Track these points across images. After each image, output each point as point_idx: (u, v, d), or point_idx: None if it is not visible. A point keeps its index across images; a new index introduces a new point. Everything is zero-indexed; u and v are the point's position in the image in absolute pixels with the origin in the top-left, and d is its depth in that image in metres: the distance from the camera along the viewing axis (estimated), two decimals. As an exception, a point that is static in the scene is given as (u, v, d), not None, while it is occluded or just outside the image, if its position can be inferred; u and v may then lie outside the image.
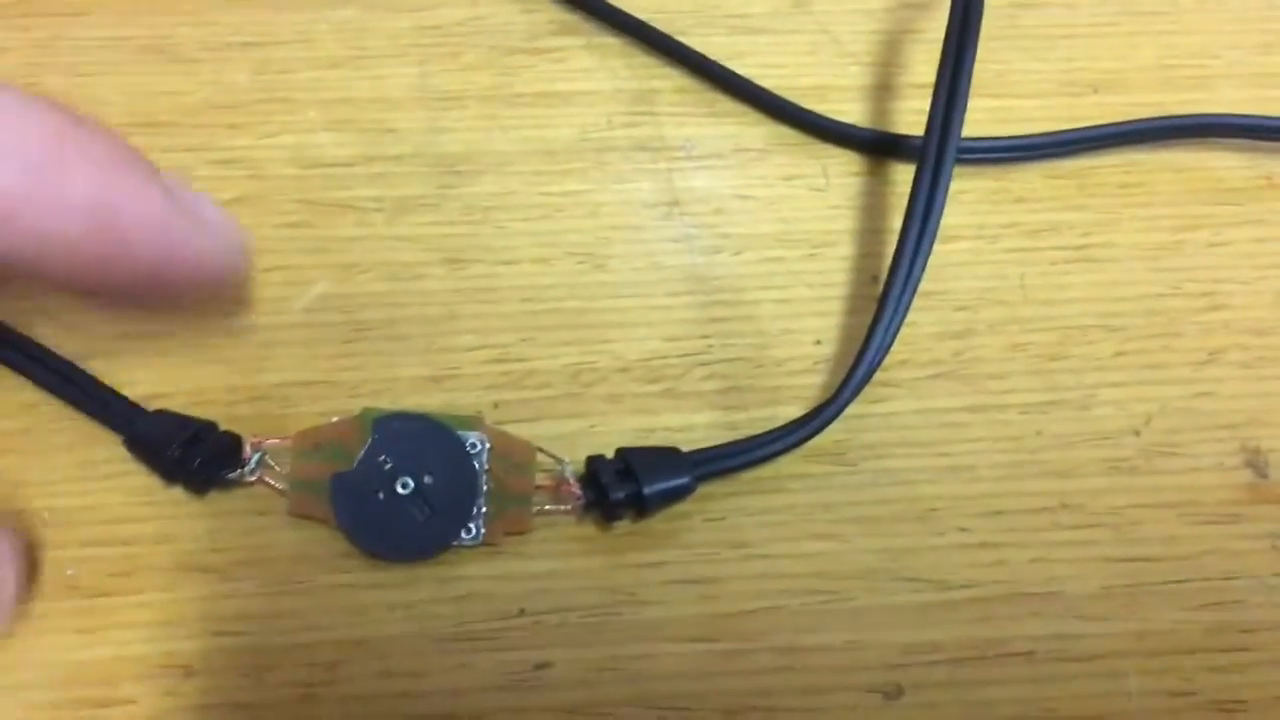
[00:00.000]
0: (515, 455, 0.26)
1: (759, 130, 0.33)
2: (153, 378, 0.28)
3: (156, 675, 0.25)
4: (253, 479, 0.26)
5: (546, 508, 0.27)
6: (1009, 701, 0.25)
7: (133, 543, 0.26)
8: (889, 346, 0.28)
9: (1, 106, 0.19)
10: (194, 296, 0.26)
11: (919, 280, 0.28)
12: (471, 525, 0.26)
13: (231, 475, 0.26)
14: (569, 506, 0.27)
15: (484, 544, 0.26)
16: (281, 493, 0.27)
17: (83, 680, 0.25)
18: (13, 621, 0.25)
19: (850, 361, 0.28)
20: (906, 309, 0.28)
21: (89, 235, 0.20)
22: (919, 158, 0.28)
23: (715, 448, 0.27)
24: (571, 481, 0.26)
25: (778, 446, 0.27)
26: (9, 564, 0.24)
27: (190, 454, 0.26)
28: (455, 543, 0.26)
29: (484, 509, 0.26)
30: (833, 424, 0.28)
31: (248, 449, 0.27)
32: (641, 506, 0.26)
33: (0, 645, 0.25)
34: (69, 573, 0.26)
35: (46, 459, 0.27)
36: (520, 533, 0.27)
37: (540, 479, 0.27)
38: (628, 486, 0.26)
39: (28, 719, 0.24)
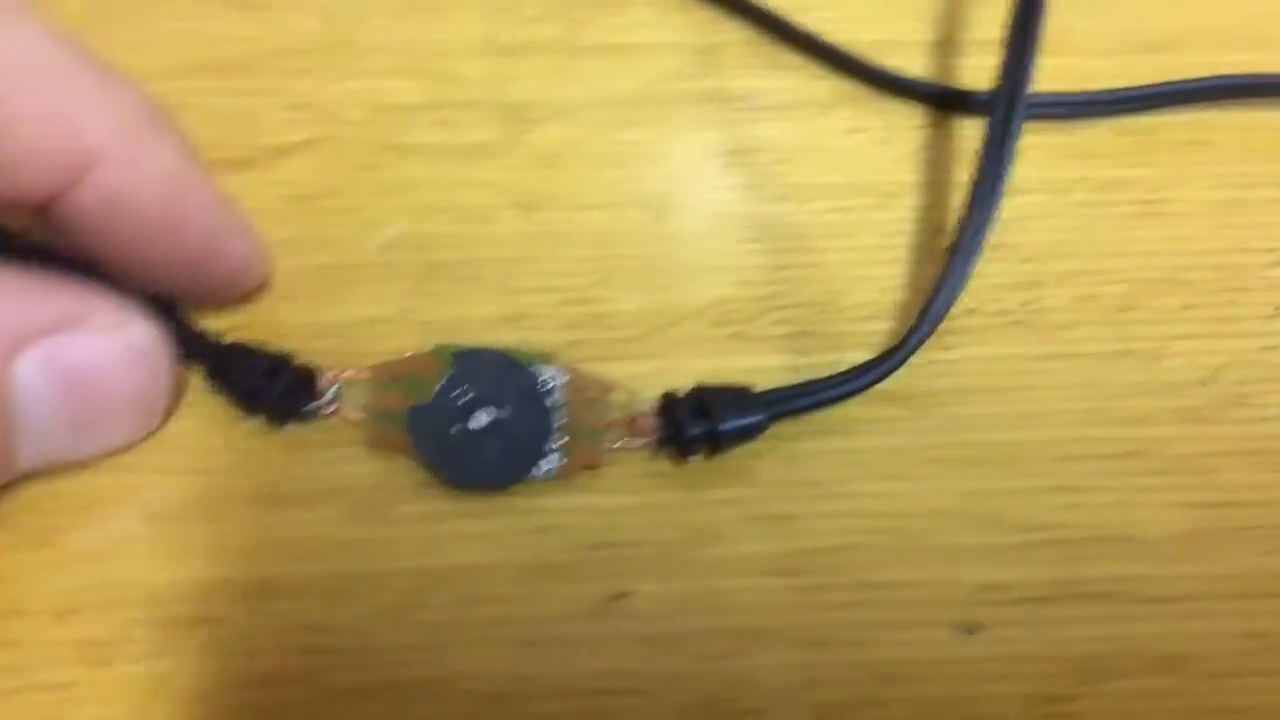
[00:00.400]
0: (590, 391, 0.27)
1: (823, 84, 0.33)
2: (227, 311, 0.28)
3: (242, 598, 0.25)
4: (330, 411, 0.26)
5: (620, 444, 0.27)
6: (1086, 640, 0.26)
7: (212, 472, 0.26)
8: (957, 295, 0.28)
9: (110, 80, 0.21)
10: (219, 296, 0.27)
11: (988, 232, 0.28)
12: (546, 459, 0.25)
13: (309, 407, 0.26)
14: (642, 443, 0.27)
15: (558, 478, 0.26)
16: (358, 425, 0.27)
17: (171, 598, 0.24)
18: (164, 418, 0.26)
19: (918, 309, 0.28)
20: (975, 260, 0.28)
21: (157, 206, 0.21)
22: (989, 111, 0.29)
23: (787, 388, 0.27)
24: (647, 417, 0.26)
25: (848, 388, 0.27)
26: (162, 353, 0.23)
27: (269, 385, 0.25)
28: (530, 476, 0.26)
29: (559, 443, 0.26)
30: (901, 369, 0.28)
31: (325, 380, 0.26)
32: (715, 443, 0.26)
33: (82, 568, 0.26)
34: (149, 498, 0.26)
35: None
36: (593, 468, 0.27)
37: (615, 416, 0.27)
38: (702, 423, 0.26)
39: (122, 635, 0.24)
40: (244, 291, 0.26)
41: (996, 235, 0.30)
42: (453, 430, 0.26)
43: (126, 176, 0.20)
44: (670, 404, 0.26)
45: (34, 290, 0.19)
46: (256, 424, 0.27)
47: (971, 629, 0.26)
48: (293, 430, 0.27)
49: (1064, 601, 0.26)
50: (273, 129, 0.31)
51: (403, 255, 0.30)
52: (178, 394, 0.26)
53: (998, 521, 0.27)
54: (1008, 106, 0.29)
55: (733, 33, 0.34)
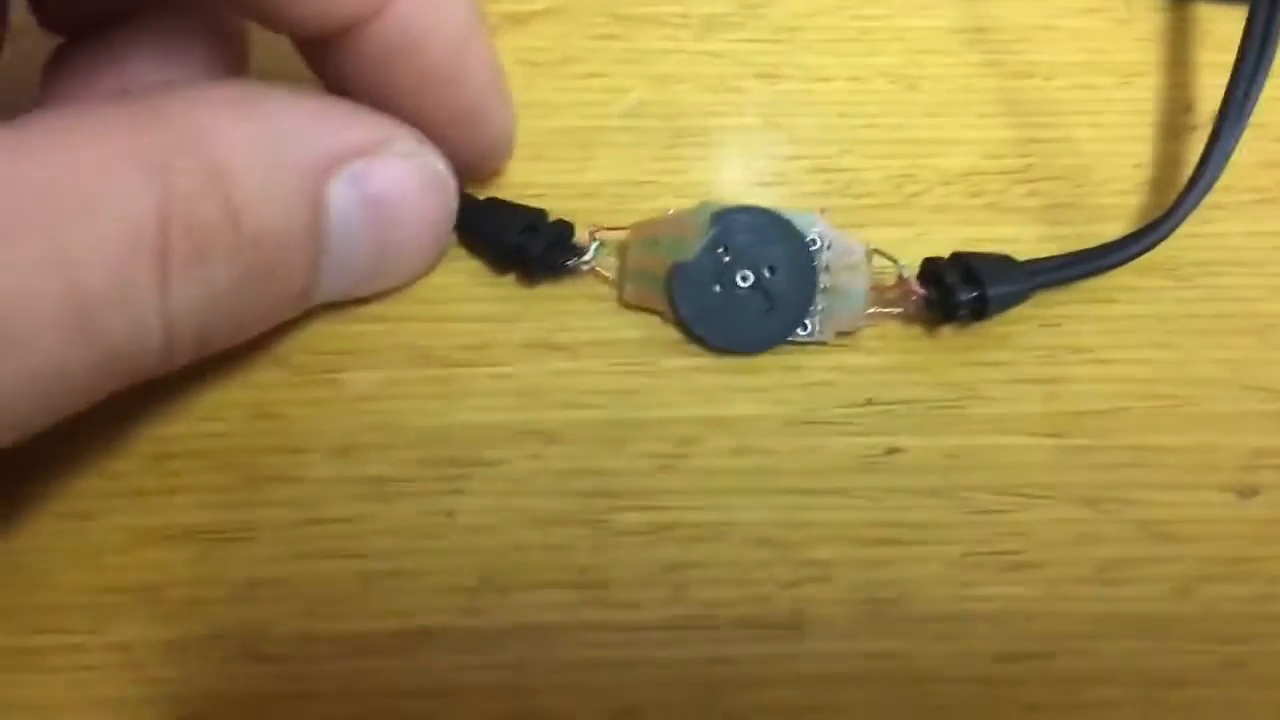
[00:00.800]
0: (851, 254, 0.27)
1: (1058, -38, 0.32)
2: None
3: (519, 440, 0.25)
4: (588, 268, 0.26)
5: (878, 310, 0.27)
6: (1366, 503, 0.25)
7: (481, 320, 0.26)
8: (1219, 173, 0.28)
9: None
10: (474, 165, 0.26)
11: (1254, 107, 0.27)
12: (809, 321, 0.26)
13: (568, 263, 0.26)
14: (903, 309, 0.27)
15: (818, 341, 0.26)
16: (614, 283, 0.27)
17: (449, 441, 0.25)
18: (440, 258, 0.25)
19: (1169, 185, 0.29)
20: (1238, 138, 0.28)
21: (446, 53, 0.21)
22: None
23: (1052, 259, 0.27)
24: (912, 281, 0.26)
25: (1114, 259, 0.27)
26: (454, 184, 0.23)
27: (529, 241, 0.26)
28: (791, 338, 0.26)
29: (821, 305, 0.26)
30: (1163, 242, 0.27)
31: (584, 237, 0.27)
32: (981, 309, 0.26)
33: (363, 407, 0.26)
34: (422, 345, 0.26)
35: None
36: (851, 332, 0.27)
37: (878, 280, 0.27)
38: (971, 287, 0.26)
39: (399, 474, 0.24)
40: (495, 165, 0.26)
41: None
42: (715, 289, 0.26)
43: (425, 14, 0.19)
44: (937, 268, 0.26)
45: (342, 114, 0.19)
46: (512, 280, 0.27)
47: (1248, 492, 0.25)
48: (546, 288, 0.27)
49: (1339, 468, 0.25)
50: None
51: (647, 122, 0.30)
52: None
53: (1267, 390, 0.26)
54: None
55: None
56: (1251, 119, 0.29)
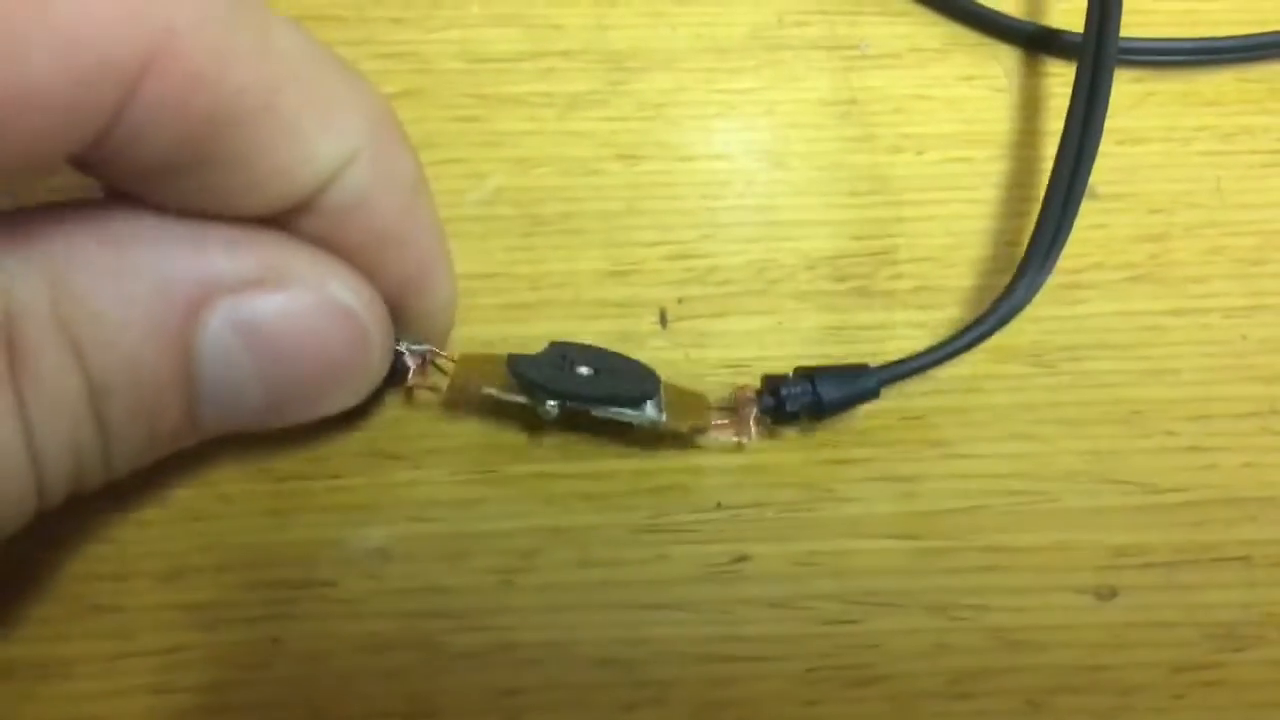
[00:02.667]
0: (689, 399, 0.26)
1: (935, 30, 0.32)
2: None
3: (354, 559, 0.24)
4: (413, 385, 0.25)
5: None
6: (1227, 606, 0.25)
7: (319, 429, 0.25)
8: (1062, 246, 0.27)
9: (358, 78, 0.19)
10: (412, 331, 0.24)
11: (1087, 177, 0.27)
12: (652, 403, 0.24)
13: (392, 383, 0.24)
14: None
15: (666, 426, 0.25)
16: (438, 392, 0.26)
17: (279, 561, 0.24)
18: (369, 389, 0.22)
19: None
20: (1077, 206, 0.27)
21: (394, 216, 0.20)
22: (1079, 54, 0.27)
23: (897, 363, 0.26)
24: (749, 392, 0.26)
25: (957, 346, 0.25)
26: (369, 315, 0.20)
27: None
28: (638, 414, 0.24)
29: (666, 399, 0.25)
30: (1028, 325, 0.28)
31: (409, 359, 0.24)
32: (818, 413, 0.26)
33: (193, 528, 0.25)
34: (256, 456, 0.26)
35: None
36: (703, 429, 0.26)
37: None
38: (806, 395, 0.26)
39: (226, 599, 0.23)
40: (438, 329, 0.24)
41: (1121, 186, 0.29)
42: (557, 369, 0.24)
43: (377, 177, 0.18)
44: (775, 383, 0.26)
45: (227, 240, 0.17)
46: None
47: (1107, 594, 0.24)
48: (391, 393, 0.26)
49: (1201, 566, 0.25)
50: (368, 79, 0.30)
51: (504, 209, 0.29)
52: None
53: (1129, 483, 0.26)
54: (1098, 44, 0.27)
55: None
56: (1125, 188, 0.28)
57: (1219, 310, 0.28)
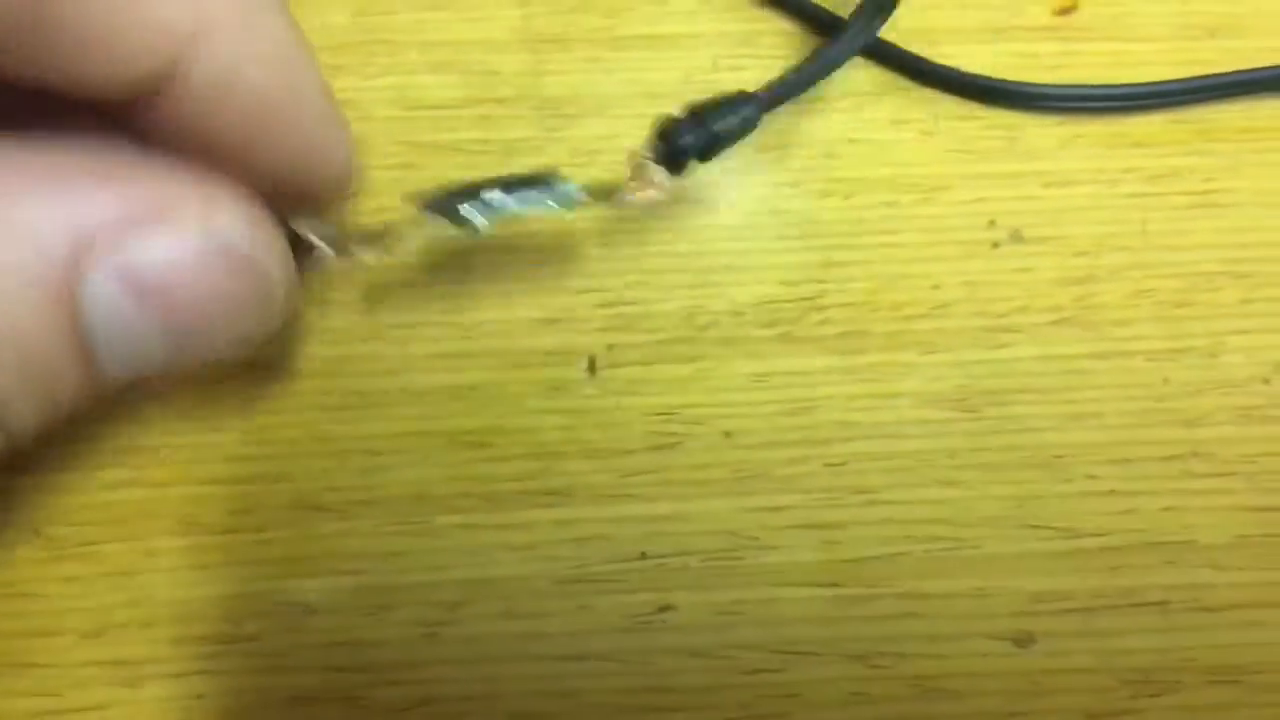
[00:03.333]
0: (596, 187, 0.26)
1: (865, 74, 0.33)
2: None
3: (278, 612, 0.24)
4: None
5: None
6: (1144, 651, 0.25)
7: (248, 481, 0.26)
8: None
9: None
10: (316, 201, 0.23)
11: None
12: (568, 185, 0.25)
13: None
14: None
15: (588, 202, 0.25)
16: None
17: (205, 616, 0.24)
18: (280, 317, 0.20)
19: (971, 305, 0.29)
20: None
21: (271, 83, 0.18)
22: None
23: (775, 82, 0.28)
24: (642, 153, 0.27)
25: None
26: (262, 250, 0.18)
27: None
28: (560, 198, 0.25)
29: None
30: (949, 370, 0.29)
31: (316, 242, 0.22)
32: (710, 147, 0.27)
33: (120, 582, 0.26)
34: (182, 511, 0.26)
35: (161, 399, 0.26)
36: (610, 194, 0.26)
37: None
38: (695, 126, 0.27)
39: (152, 655, 0.24)
40: (342, 194, 0.23)
41: (1047, 228, 0.30)
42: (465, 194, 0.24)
43: (242, 46, 0.17)
44: (665, 127, 0.27)
45: (103, 179, 0.16)
46: (283, 436, 0.26)
47: (1025, 641, 0.25)
48: (316, 443, 0.26)
49: (1119, 612, 0.25)
50: None
51: (439, 258, 0.29)
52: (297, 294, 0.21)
53: (1049, 528, 0.26)
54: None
55: (771, 22, 0.33)
56: (1051, 231, 0.30)
57: (1142, 353, 0.28)
